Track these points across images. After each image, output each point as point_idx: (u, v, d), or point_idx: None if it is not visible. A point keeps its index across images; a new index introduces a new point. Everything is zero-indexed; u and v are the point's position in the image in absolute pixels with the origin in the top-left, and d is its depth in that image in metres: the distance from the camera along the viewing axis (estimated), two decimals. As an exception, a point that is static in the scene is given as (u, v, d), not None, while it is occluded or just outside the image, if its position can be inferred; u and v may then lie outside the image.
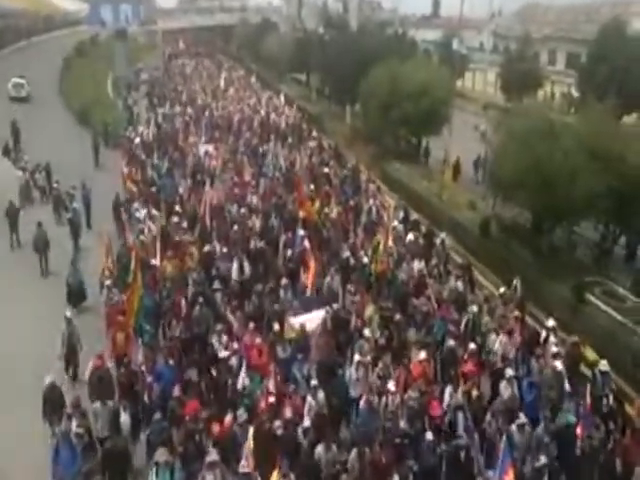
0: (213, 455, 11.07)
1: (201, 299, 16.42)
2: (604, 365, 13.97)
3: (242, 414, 12.70)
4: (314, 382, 13.22)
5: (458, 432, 12.37)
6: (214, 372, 14.31)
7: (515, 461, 11.10)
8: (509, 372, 13.62)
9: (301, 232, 20.71)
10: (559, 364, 13.86)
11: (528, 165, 19.88)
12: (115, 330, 15.18)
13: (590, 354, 15.16)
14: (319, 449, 11.62)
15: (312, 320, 15.88)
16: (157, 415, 12.18)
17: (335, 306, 16.51)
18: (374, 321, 16.09)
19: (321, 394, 13.01)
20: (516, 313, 16.37)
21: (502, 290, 18.14)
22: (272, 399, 12.83)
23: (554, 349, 14.61)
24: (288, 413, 12.44)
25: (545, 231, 22.46)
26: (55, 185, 26.43)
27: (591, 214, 20.95)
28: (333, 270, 18.34)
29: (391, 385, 13.05)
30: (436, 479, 11.56)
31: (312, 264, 18.00)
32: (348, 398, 13.80)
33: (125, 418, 12.34)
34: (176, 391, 12.94)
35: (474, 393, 13.07)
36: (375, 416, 12.59)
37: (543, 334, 15.74)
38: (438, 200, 27.08)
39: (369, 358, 14.37)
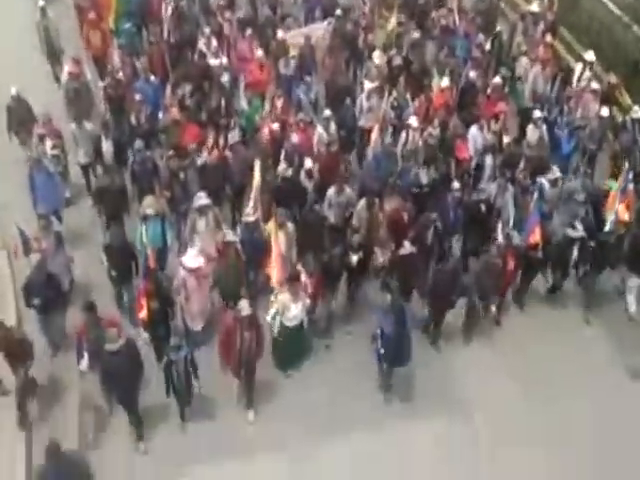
0: (203, 199, 9.64)
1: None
2: (636, 112, 12.43)
3: (235, 135, 11.34)
4: (327, 112, 11.55)
5: (483, 179, 11.19)
6: (206, 88, 12.45)
7: (544, 219, 10.16)
8: (537, 113, 12.01)
9: None
10: (606, 111, 12.16)
11: None
12: (88, 28, 12.74)
13: (625, 98, 13.54)
14: (330, 192, 10.33)
15: (314, 33, 13.57)
16: (139, 143, 10.53)
17: (339, 13, 13.93)
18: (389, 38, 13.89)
19: (333, 125, 11.47)
20: (548, 38, 14.25)
21: (534, 7, 15.63)
22: (275, 126, 11.27)
23: (593, 85, 12.79)
24: (295, 140, 11.00)
25: None
26: None
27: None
28: None
29: (413, 120, 11.38)
30: (454, 233, 10.60)
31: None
32: (357, 128, 12.28)
33: (107, 147, 10.73)
34: (173, 112, 11.25)
35: (505, 139, 11.64)
36: (390, 158, 11.11)
37: (577, 68, 13.83)
38: None
39: (378, 84, 12.36)
